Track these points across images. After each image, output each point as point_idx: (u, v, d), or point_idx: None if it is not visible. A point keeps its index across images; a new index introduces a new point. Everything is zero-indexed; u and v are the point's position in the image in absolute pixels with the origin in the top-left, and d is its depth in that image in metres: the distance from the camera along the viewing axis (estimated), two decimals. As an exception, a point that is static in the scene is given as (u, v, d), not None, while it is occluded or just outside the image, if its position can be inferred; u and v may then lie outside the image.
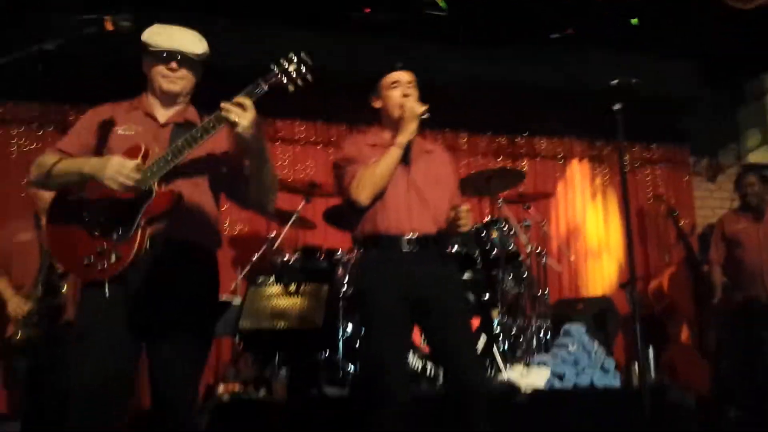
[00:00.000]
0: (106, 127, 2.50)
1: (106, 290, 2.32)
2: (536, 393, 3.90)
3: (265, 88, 2.36)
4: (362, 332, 3.20)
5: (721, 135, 6.76)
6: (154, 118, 2.54)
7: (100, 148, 2.49)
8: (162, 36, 2.52)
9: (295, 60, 2.38)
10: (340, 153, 3.05)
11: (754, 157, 6.56)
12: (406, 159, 2.94)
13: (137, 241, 2.34)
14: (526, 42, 5.70)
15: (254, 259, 4.86)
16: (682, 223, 5.94)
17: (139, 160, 2.36)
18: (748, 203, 4.93)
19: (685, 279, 5.60)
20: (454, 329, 2.85)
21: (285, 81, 2.37)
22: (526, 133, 6.37)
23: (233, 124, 2.29)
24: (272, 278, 4.32)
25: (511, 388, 3.89)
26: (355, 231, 2.98)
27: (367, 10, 5.30)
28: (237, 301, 4.24)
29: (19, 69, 2.32)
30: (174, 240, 2.42)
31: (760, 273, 4.67)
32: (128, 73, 2.83)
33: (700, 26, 5.43)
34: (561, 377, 4.09)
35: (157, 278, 2.38)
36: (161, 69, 2.52)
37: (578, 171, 6.55)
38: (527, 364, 4.19)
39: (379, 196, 2.88)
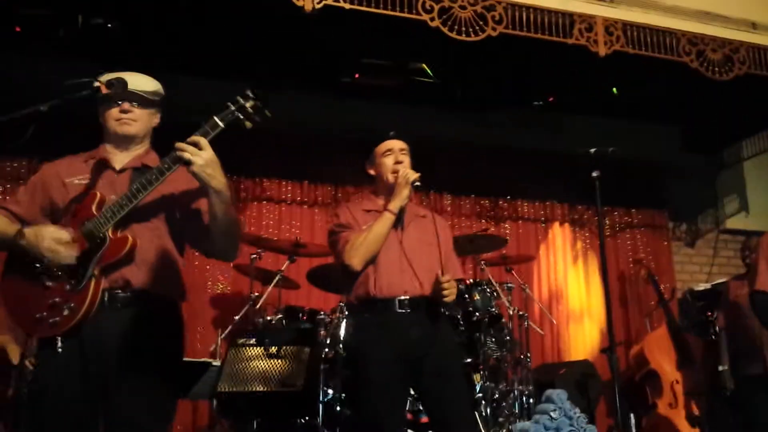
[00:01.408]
0: (59, 180, 2.42)
1: (59, 346, 2.20)
2: (517, 461, 3.87)
3: (222, 125, 2.28)
4: (354, 393, 3.16)
5: (700, 200, 6.85)
6: (110, 166, 2.46)
7: (56, 202, 2.40)
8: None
9: (252, 96, 2.31)
10: (335, 220, 3.11)
11: (732, 223, 6.67)
12: (399, 224, 3.00)
13: (90, 292, 2.22)
14: (510, 107, 5.82)
15: (236, 319, 4.81)
16: (662, 287, 5.94)
17: (93, 210, 2.29)
18: (750, 267, 4.65)
19: (666, 344, 5.59)
20: (449, 391, 2.85)
21: (242, 118, 2.30)
22: (509, 197, 6.43)
23: (188, 164, 2.20)
24: (253, 340, 4.27)
25: (493, 455, 3.86)
26: (349, 296, 3.00)
27: (357, 76, 5.41)
28: (216, 363, 4.18)
29: (9, 128, 2.28)
30: (132, 290, 2.30)
31: (759, 339, 4.42)
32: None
33: (680, 94, 5.57)
34: (542, 444, 4.05)
35: (113, 332, 2.24)
36: (113, 112, 2.45)
37: (560, 234, 6.59)
38: (509, 431, 4.16)
39: (371, 261, 2.92)
